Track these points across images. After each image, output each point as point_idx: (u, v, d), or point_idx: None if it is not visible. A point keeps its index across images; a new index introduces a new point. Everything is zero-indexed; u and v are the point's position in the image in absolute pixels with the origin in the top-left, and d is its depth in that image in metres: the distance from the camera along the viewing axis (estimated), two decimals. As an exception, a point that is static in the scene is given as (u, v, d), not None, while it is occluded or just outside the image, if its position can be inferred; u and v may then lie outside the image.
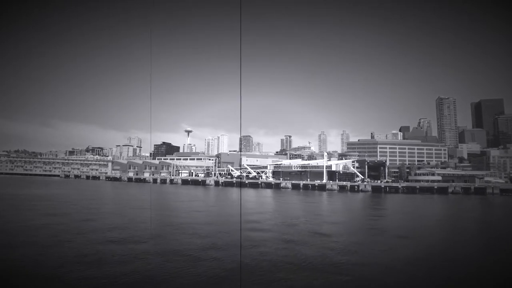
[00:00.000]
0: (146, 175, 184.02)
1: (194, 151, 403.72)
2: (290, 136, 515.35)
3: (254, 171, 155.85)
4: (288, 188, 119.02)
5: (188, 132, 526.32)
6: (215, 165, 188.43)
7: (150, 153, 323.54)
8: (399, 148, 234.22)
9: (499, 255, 20.93)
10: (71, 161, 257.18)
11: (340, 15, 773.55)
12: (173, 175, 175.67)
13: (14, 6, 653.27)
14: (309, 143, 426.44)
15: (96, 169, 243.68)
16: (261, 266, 16.54)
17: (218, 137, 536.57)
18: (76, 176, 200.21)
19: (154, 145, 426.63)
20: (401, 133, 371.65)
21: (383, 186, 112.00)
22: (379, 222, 36.59)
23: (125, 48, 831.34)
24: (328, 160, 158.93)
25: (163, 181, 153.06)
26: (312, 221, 35.20)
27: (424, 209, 56.33)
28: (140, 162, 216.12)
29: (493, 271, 17.24)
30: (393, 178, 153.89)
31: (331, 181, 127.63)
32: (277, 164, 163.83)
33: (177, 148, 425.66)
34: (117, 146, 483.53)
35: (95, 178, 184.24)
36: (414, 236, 27.43)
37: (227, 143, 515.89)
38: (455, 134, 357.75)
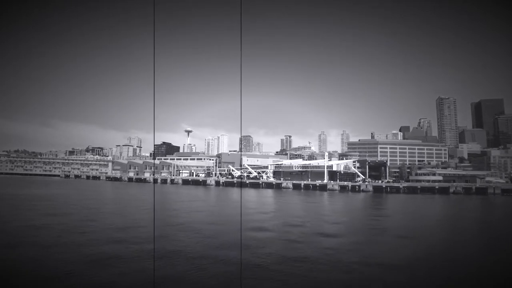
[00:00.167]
0: (147, 175, 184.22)
1: (194, 151, 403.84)
2: (290, 136, 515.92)
3: (255, 171, 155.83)
4: (289, 188, 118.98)
5: (188, 132, 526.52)
6: (216, 165, 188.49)
7: (150, 153, 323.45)
8: (399, 148, 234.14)
9: (500, 255, 20.92)
10: (71, 161, 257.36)
11: (340, 14, 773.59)
12: (173, 175, 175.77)
13: (14, 6, 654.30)
14: (309, 143, 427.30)
15: (96, 169, 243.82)
16: (262, 266, 16.53)
17: (218, 137, 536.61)
18: (76, 176, 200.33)
19: (154, 145, 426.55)
20: (401, 133, 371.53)
21: (384, 186, 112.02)
22: (380, 222, 36.54)
23: (125, 48, 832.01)
24: (329, 160, 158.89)
25: (164, 181, 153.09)
26: (313, 221, 35.22)
27: (425, 209, 56.34)
28: (141, 162, 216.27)
29: (493, 271, 17.21)
30: (394, 178, 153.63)
31: (332, 181, 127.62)
32: (278, 164, 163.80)
33: (177, 148, 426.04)
34: (117, 146, 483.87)
35: (95, 178, 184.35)
36: (415, 236, 27.44)
37: (227, 143, 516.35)
38: (455, 134, 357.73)
